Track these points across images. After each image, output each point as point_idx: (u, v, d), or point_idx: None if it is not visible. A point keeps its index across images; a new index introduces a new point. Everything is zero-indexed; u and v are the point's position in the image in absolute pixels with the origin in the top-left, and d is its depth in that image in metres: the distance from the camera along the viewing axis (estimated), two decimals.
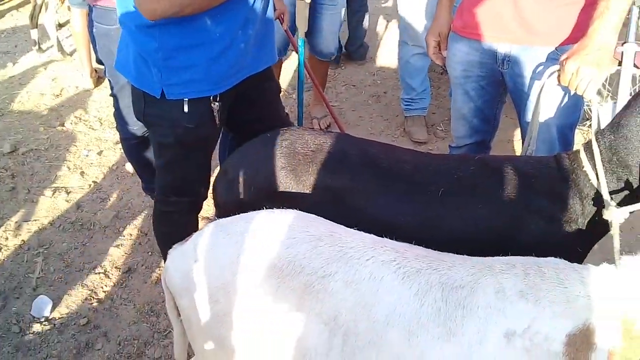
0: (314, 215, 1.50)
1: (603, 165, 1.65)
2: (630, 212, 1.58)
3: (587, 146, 1.68)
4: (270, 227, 1.44)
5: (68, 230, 3.05)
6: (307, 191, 1.72)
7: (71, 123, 4.10)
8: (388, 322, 1.30)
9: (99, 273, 2.76)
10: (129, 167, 3.49)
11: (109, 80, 2.85)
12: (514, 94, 2.21)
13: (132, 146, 2.90)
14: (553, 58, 2.00)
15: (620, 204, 1.61)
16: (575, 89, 1.81)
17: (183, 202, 2.15)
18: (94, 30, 2.77)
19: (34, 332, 2.45)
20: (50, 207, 3.23)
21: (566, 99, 2.04)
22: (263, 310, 1.37)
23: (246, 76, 2.01)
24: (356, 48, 4.90)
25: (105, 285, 2.70)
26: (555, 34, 1.99)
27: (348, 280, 1.34)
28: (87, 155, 3.72)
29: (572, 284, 1.32)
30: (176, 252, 1.52)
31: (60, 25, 5.53)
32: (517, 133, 3.70)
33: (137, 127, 2.79)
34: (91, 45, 3.76)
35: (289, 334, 1.36)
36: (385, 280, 1.33)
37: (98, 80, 4.62)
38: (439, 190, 1.70)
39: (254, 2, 1.89)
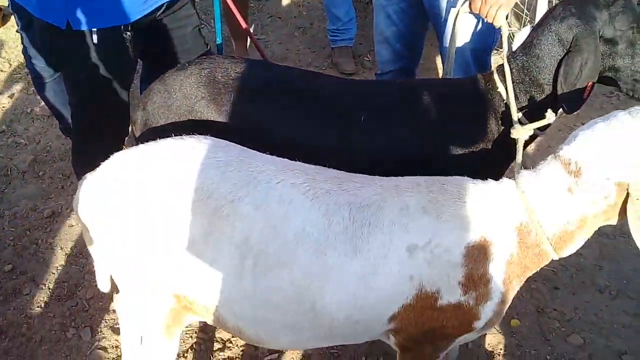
0: (224, 141, 1.49)
1: (516, 86, 1.71)
2: (535, 129, 1.66)
3: (500, 68, 1.73)
4: (179, 154, 1.43)
5: None
6: (228, 120, 1.69)
7: None
8: (297, 242, 1.34)
9: (21, 218, 2.66)
10: (41, 108, 3.31)
11: (14, 16, 2.66)
12: (432, 18, 2.23)
13: (44, 85, 2.74)
14: None
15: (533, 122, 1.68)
16: (486, 16, 1.84)
17: (103, 141, 2.07)
18: None
19: None
20: None
21: (480, 25, 2.08)
22: (175, 236, 1.38)
23: (159, 4, 1.92)
24: None
25: (29, 231, 2.61)
26: None
27: (257, 204, 1.36)
28: None
29: (471, 198, 1.39)
30: (86, 182, 1.48)
31: None
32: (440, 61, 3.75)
33: (47, 65, 2.63)
34: None
35: (202, 259, 1.38)
36: (295, 202, 1.36)
37: (3, 19, 4.28)
38: (358, 114, 1.72)
39: None
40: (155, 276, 1.44)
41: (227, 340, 2.20)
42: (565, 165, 1.36)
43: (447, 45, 2.12)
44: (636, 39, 1.63)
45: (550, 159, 1.41)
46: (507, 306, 1.51)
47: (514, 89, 1.69)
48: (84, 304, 2.32)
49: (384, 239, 1.35)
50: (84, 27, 1.76)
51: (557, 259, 1.45)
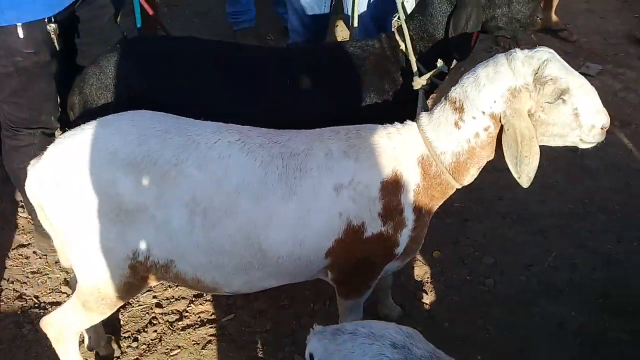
0: (160, 113, 1.62)
1: (416, 43, 1.97)
2: (434, 78, 1.92)
3: (400, 29, 1.97)
4: (120, 128, 1.54)
5: None
6: (164, 94, 1.83)
7: None
8: (239, 192, 1.52)
9: None
10: None
11: None
12: None
13: None
14: None
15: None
16: None
17: (35, 135, 2.12)
18: None
19: None
20: None
21: None
22: (127, 205, 1.49)
23: None
24: None
25: None
26: None
27: (200, 164, 1.51)
28: None
29: (382, 140, 1.63)
30: (34, 168, 1.56)
31: None
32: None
33: None
34: None
35: (156, 222, 1.51)
36: (233, 157, 1.53)
37: None
38: (282, 79, 1.91)
39: None
40: (111, 245, 1.54)
41: (183, 311, 2.34)
42: (452, 104, 1.59)
43: (348, 12, 2.35)
44: None
45: (442, 101, 1.64)
46: (423, 234, 1.75)
47: (414, 45, 1.95)
48: (34, 301, 2.36)
49: (314, 182, 1.55)
50: (10, 22, 1.81)
51: (459, 187, 1.68)
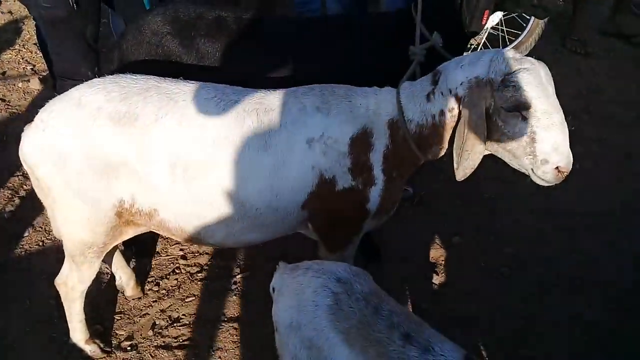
0: (143, 75, 1.71)
1: (433, 18, 2.01)
2: (427, 48, 1.95)
3: (416, 4, 2.02)
4: (104, 87, 1.66)
5: None
6: (189, 53, 2.01)
7: None
8: (216, 146, 1.61)
9: (18, 175, 2.96)
10: (34, 83, 3.64)
11: None
12: None
13: (38, 30, 3.02)
14: None
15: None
16: None
17: (77, 84, 2.36)
18: None
19: None
20: None
21: None
22: (114, 159, 1.60)
23: None
24: None
25: (25, 184, 2.91)
26: None
27: (178, 119, 1.61)
28: None
29: (355, 99, 1.68)
30: (25, 132, 1.69)
31: None
32: None
33: None
34: None
35: (139, 174, 1.62)
36: (210, 112, 1.63)
37: None
38: (301, 45, 2.03)
39: None
40: (97, 196, 1.65)
41: (204, 264, 2.52)
42: (433, 75, 1.63)
43: None
44: None
45: (432, 72, 1.66)
46: (396, 197, 1.79)
47: (433, 19, 1.98)
48: None
49: (287, 135, 1.62)
50: None
51: (422, 158, 1.70)
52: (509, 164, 1.62)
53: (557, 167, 1.50)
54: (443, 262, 2.54)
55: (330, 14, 2.81)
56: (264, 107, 1.66)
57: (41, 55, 3.95)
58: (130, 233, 1.82)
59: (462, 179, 1.57)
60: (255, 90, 1.72)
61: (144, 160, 1.61)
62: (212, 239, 1.78)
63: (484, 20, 1.97)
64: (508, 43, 3.76)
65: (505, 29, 3.77)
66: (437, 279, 2.46)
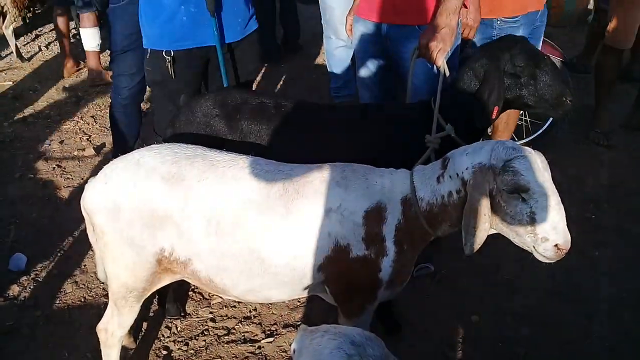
0: (193, 145, 1.99)
1: (450, 109, 2.22)
2: (441, 137, 2.16)
3: (434, 97, 2.23)
4: (160, 151, 1.93)
5: (36, 204, 3.47)
6: (234, 133, 2.27)
7: (33, 118, 4.51)
8: (245, 207, 1.84)
9: (66, 236, 3.21)
10: (88, 151, 3.97)
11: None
12: (395, 63, 2.76)
13: (112, 108, 3.49)
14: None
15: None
16: (429, 59, 2.36)
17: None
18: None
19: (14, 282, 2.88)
20: (18, 187, 3.65)
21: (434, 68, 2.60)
22: (159, 212, 1.84)
23: (195, 45, 2.61)
24: (291, 46, 5.50)
25: (72, 244, 3.15)
26: (415, 14, 2.57)
27: (217, 182, 1.86)
28: (49, 145, 4.14)
29: (372, 178, 1.90)
30: (88, 183, 1.97)
31: (16, 35, 5.87)
32: None
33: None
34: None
35: (180, 227, 1.85)
36: (243, 178, 1.87)
37: (74, 71, 5.24)
38: (331, 128, 2.27)
39: None
40: (143, 244, 1.87)
41: (232, 328, 2.65)
42: (443, 161, 1.84)
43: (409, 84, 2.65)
44: (534, 71, 2.17)
45: (442, 158, 1.87)
46: (408, 269, 1.94)
47: (449, 112, 2.20)
48: None
49: (308, 204, 1.84)
50: (146, 46, 2.69)
51: (433, 235, 1.88)
52: (514, 242, 1.77)
53: (556, 245, 1.66)
54: (460, 339, 2.62)
55: (361, 102, 3.08)
56: (290, 177, 1.89)
57: (97, 127, 4.36)
58: (166, 280, 2.03)
59: (470, 254, 1.73)
60: (285, 163, 1.96)
61: (185, 214, 1.84)
62: (235, 291, 1.96)
63: (494, 116, 2.16)
64: (531, 132, 3.95)
65: (528, 119, 3.96)
66: (453, 356, 2.54)
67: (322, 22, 4.30)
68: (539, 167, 1.68)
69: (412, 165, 2.01)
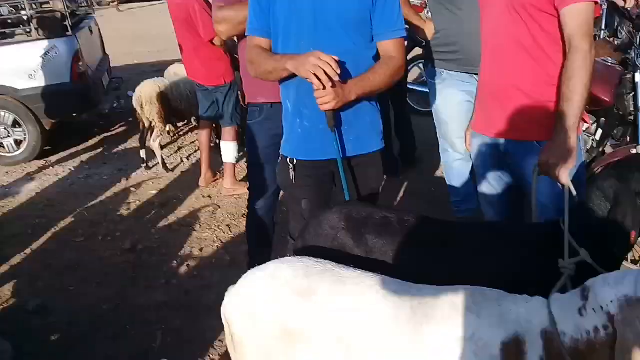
0: (323, 260, 2.08)
1: (580, 234, 2.17)
2: (575, 263, 2.10)
3: (563, 218, 2.20)
4: (292, 265, 2.04)
5: (180, 310, 3.80)
6: (358, 245, 2.38)
7: (177, 226, 5.00)
8: (374, 329, 1.84)
9: (207, 343, 3.46)
10: (223, 260, 4.32)
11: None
12: (518, 178, 2.81)
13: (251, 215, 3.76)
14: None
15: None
16: (552, 177, 2.37)
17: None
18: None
19: None
20: (164, 292, 4.02)
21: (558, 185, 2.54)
22: (290, 325, 1.90)
23: (307, 158, 2.76)
24: (408, 158, 5.70)
25: (212, 352, 3.39)
26: (534, 130, 2.62)
27: (346, 299, 1.90)
28: (190, 251, 4.55)
29: (506, 304, 1.81)
30: (229, 292, 2.08)
31: (162, 147, 6.61)
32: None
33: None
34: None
35: (310, 345, 1.88)
36: (370, 298, 1.89)
37: (212, 181, 5.82)
38: (457, 249, 2.32)
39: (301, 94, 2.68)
40: (278, 356, 1.92)
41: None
42: (582, 291, 1.73)
43: (530, 201, 2.65)
44: None
45: (580, 287, 1.77)
46: None
47: (580, 234, 2.15)
48: None
49: (439, 329, 1.79)
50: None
51: None
52: None
53: None
54: None
55: (485, 220, 3.12)
56: (417, 300, 1.88)
57: (232, 235, 4.73)
58: None
59: None
60: (414, 284, 1.96)
61: (316, 331, 1.89)
62: None
63: (632, 241, 2.12)
64: None
65: None
66: None
67: (438, 135, 4.38)
68: None
69: (544, 293, 1.92)
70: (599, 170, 3.72)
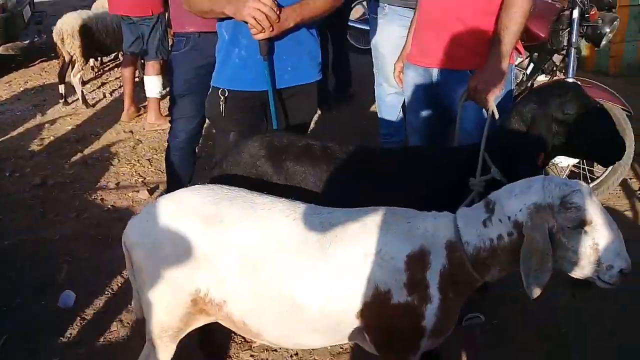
0: (235, 187, 1.99)
1: (498, 151, 2.16)
2: (486, 180, 2.10)
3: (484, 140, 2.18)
4: (201, 192, 1.95)
5: (89, 243, 3.57)
6: (280, 175, 2.27)
7: (92, 160, 4.70)
8: (281, 250, 1.80)
9: (115, 275, 3.26)
10: (142, 194, 4.07)
11: None
12: (446, 108, 2.74)
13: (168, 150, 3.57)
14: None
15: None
16: (478, 102, 2.34)
17: None
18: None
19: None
20: (73, 226, 3.77)
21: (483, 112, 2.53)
22: (196, 252, 1.83)
23: (243, 89, 2.60)
24: (342, 94, 5.56)
25: (120, 284, 3.19)
26: (468, 59, 2.55)
27: (254, 224, 1.84)
28: (105, 186, 4.29)
29: (414, 221, 1.83)
30: (130, 220, 1.99)
31: (84, 83, 6.20)
32: None
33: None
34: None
35: (217, 267, 1.83)
36: (281, 221, 1.85)
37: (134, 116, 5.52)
38: (376, 173, 2.23)
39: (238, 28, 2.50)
40: (180, 282, 1.86)
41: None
42: (486, 204, 1.76)
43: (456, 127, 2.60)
44: (585, 119, 2.09)
45: (483, 200, 1.80)
46: (452, 318, 1.84)
47: (496, 155, 2.14)
48: None
49: (346, 248, 1.78)
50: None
51: (480, 280, 1.78)
52: (572, 276, 1.70)
53: (620, 270, 1.62)
54: None
55: (408, 146, 3.04)
56: (328, 221, 1.84)
57: (152, 169, 4.49)
58: (202, 321, 1.99)
59: (535, 296, 1.65)
60: (324, 207, 1.92)
61: (222, 255, 1.83)
62: (269, 336, 1.91)
63: (539, 162, 2.11)
64: (589, 181, 3.79)
65: (587, 167, 3.82)
66: None
67: (374, 70, 4.32)
68: (594, 198, 1.65)
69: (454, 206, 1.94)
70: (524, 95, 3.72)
